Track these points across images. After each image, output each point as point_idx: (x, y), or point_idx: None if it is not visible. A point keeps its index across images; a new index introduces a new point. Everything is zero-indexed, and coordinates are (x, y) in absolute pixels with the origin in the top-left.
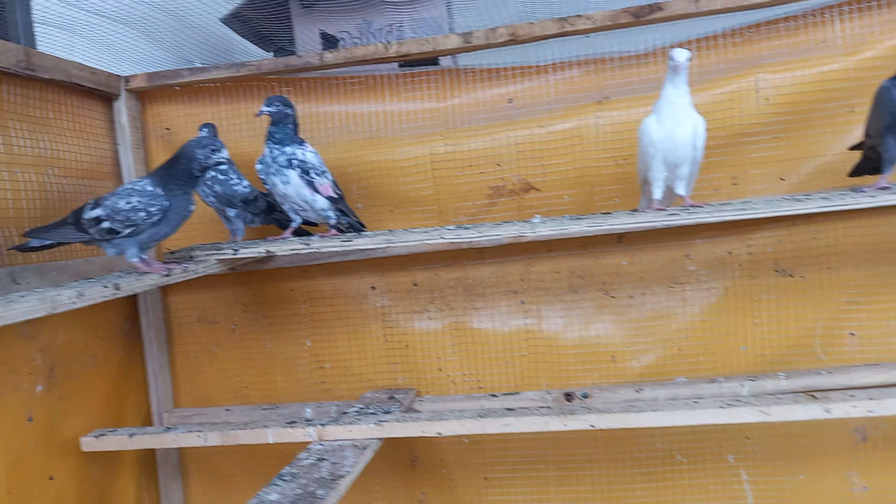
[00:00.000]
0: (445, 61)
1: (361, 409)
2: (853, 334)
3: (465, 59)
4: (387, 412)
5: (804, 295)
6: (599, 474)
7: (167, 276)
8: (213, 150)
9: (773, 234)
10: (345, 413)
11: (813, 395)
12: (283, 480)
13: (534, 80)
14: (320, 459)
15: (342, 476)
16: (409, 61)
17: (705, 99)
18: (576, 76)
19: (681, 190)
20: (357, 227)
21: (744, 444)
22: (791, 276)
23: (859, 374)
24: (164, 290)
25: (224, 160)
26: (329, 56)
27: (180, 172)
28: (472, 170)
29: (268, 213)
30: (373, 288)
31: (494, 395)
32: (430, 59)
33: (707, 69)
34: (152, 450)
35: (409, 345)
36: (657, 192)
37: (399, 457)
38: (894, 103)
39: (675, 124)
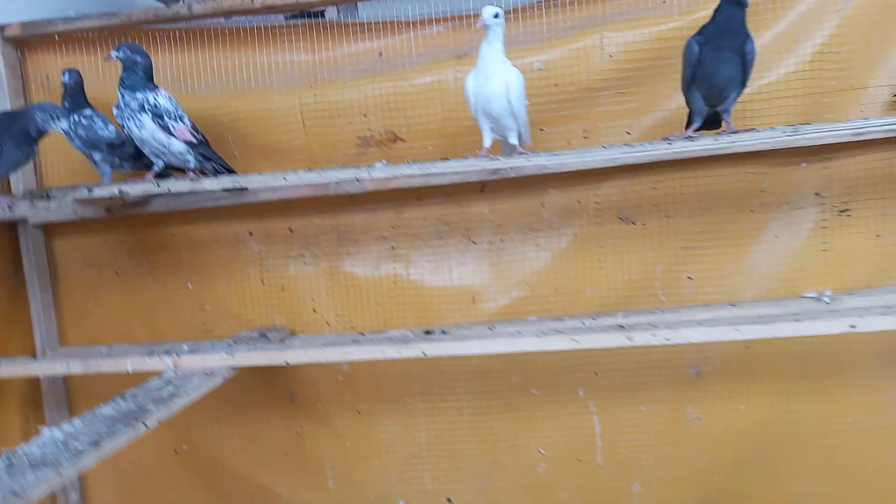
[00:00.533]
0: (332, 14)
1: (231, 344)
2: (690, 278)
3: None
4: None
5: (645, 241)
6: (462, 406)
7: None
8: (52, 117)
9: (617, 184)
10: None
11: (620, 327)
12: (123, 399)
13: (402, 34)
14: (167, 384)
15: (179, 396)
16: (295, 13)
17: (555, 55)
18: (439, 32)
19: (512, 140)
20: (225, 173)
21: (593, 378)
22: (633, 223)
23: (690, 313)
24: (49, 234)
25: (61, 130)
26: (197, 7)
27: (17, 128)
28: (341, 120)
29: (137, 158)
30: (250, 234)
31: (362, 335)
32: (316, 13)
33: (556, 27)
34: (38, 384)
35: (285, 288)
36: (486, 141)
37: (278, 393)
38: (694, 57)
39: (487, 80)
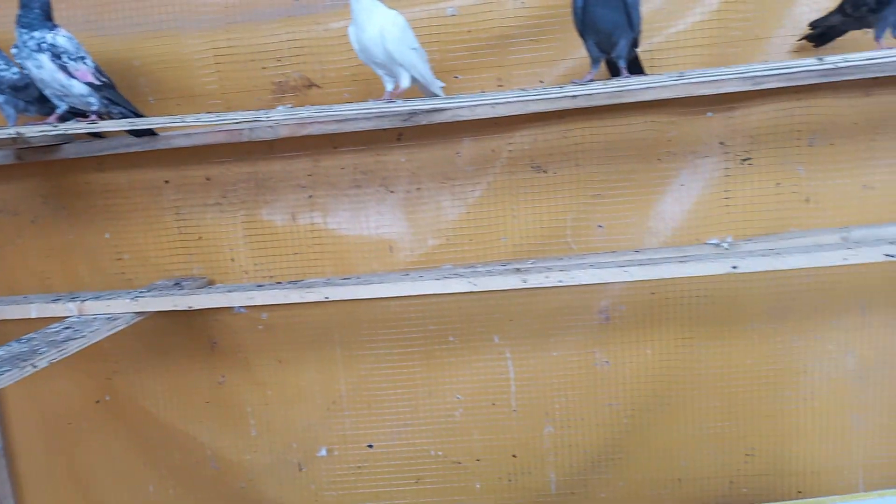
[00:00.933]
0: None
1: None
2: (601, 226)
3: None
4: None
5: (557, 190)
6: (381, 354)
7: None
8: None
9: (529, 133)
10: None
11: (517, 270)
12: (18, 342)
13: None
14: (67, 328)
15: (74, 339)
16: None
17: (469, 1)
18: None
19: (404, 84)
20: (133, 117)
21: (508, 325)
22: (545, 171)
23: (596, 258)
24: None
25: None
26: None
27: None
28: (255, 65)
29: (42, 101)
30: (166, 182)
31: (279, 283)
32: None
33: None
34: None
35: (202, 237)
36: (387, 85)
37: (198, 343)
38: (577, 7)
39: (362, 29)
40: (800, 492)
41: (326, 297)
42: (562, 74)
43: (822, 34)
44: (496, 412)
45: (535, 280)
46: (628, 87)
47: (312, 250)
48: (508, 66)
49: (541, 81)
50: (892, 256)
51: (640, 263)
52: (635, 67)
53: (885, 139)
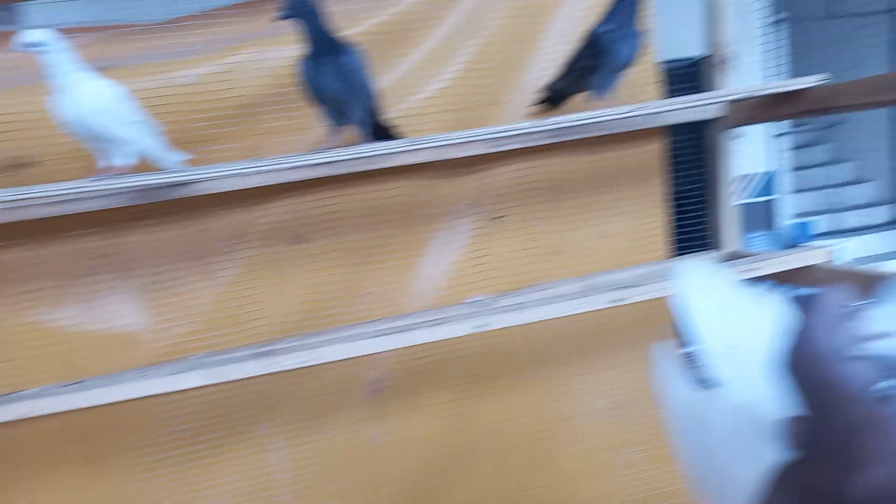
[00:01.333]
0: None
1: None
2: (365, 294)
3: None
4: None
5: (316, 260)
6: (130, 466)
7: None
8: None
9: (285, 204)
10: None
11: (264, 353)
12: None
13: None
14: None
15: None
16: None
17: (215, 69)
18: (80, 44)
19: (117, 161)
20: None
21: (276, 411)
22: (304, 243)
23: (353, 330)
24: None
25: None
26: None
27: None
28: None
29: None
30: None
31: None
32: None
33: (213, 40)
34: None
35: None
36: (99, 162)
37: None
38: (301, 78)
39: (67, 100)
40: None
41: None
42: (316, 142)
43: (552, 97)
44: None
45: (284, 363)
46: (365, 153)
47: (34, 353)
48: (257, 135)
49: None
50: (614, 303)
51: (392, 332)
52: (382, 133)
53: (611, 191)
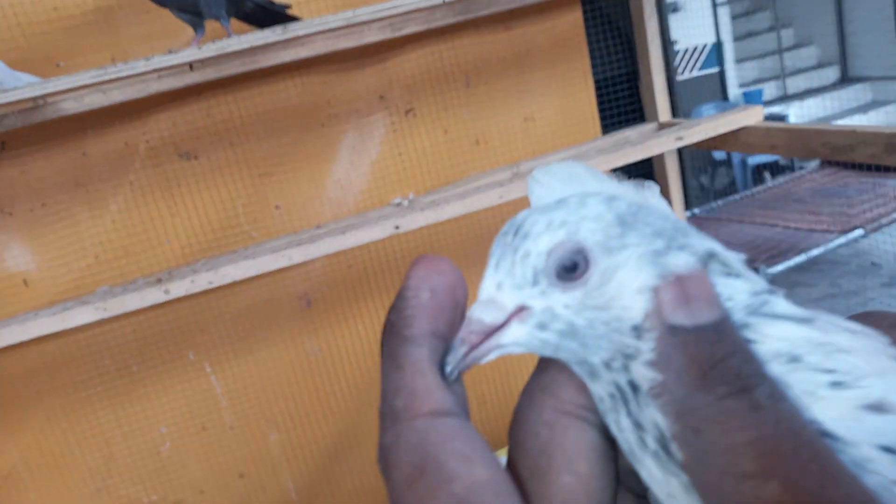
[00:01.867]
0: None
1: None
2: (278, 206)
3: None
4: None
5: (214, 176)
6: (54, 405)
7: None
8: None
9: (166, 117)
10: None
11: (159, 280)
12: None
13: None
14: None
15: None
16: None
17: None
18: None
19: None
20: None
21: (202, 337)
22: (196, 158)
23: (272, 244)
24: None
25: None
26: None
27: None
28: None
29: None
30: None
31: None
32: None
33: None
34: None
35: None
36: None
37: None
38: None
39: None
40: None
41: None
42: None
43: None
44: (210, 435)
45: (180, 288)
46: (228, 48)
47: None
48: (123, 43)
49: (170, 51)
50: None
51: (300, 243)
52: (269, 19)
53: (532, 71)
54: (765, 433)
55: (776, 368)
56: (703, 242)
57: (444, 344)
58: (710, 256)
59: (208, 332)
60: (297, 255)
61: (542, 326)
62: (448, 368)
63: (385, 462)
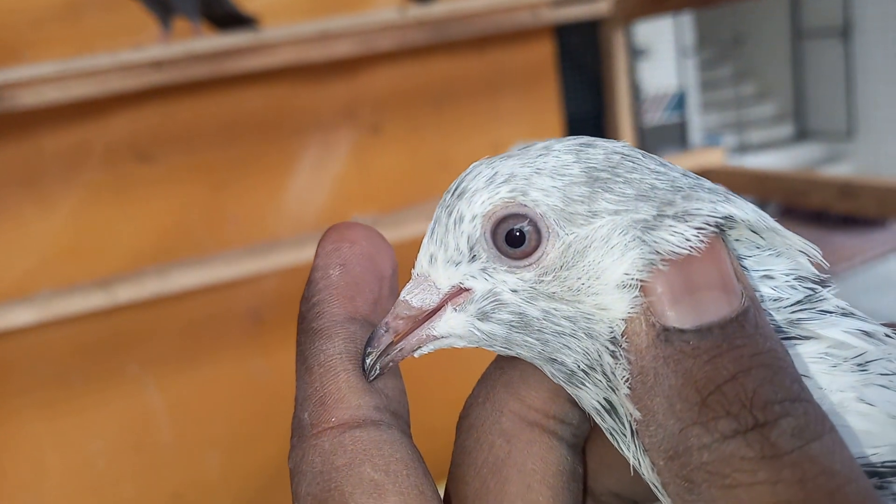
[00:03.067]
0: None
1: None
2: (235, 217)
3: None
4: None
5: (171, 182)
6: None
7: None
8: None
9: (126, 117)
10: None
11: (105, 284)
12: None
13: None
14: None
15: None
16: None
17: None
18: None
19: None
20: None
21: (145, 349)
22: (153, 162)
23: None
24: None
25: None
26: None
27: None
28: None
29: None
30: None
31: None
32: None
33: None
34: None
35: None
36: None
37: None
38: None
39: None
40: None
41: None
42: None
43: None
44: (148, 453)
45: (126, 293)
46: (198, 48)
47: None
48: (86, 37)
49: (137, 47)
50: None
51: (255, 254)
52: (231, 23)
53: (503, 98)
54: (784, 497)
55: (831, 382)
56: (717, 203)
57: (368, 329)
58: (728, 224)
59: (153, 345)
60: (249, 266)
61: (483, 315)
62: (368, 361)
63: (293, 492)
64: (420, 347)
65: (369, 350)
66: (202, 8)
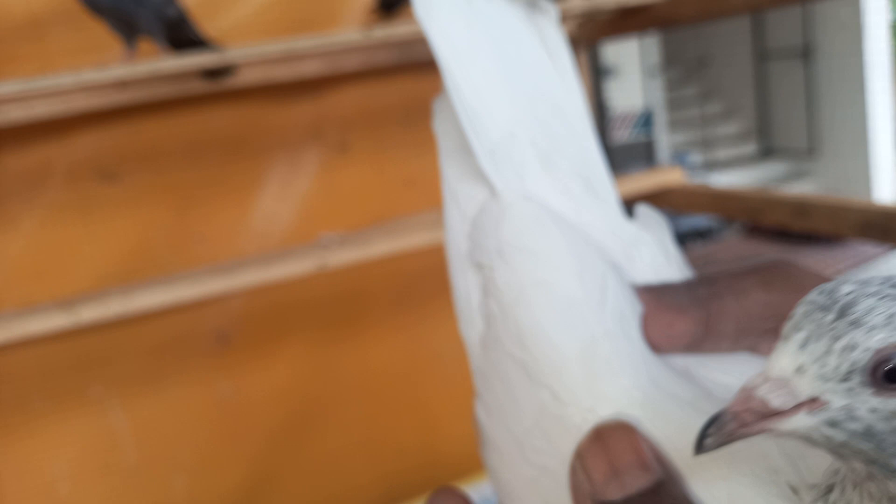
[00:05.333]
0: None
1: None
2: (201, 237)
3: None
4: None
5: (137, 201)
6: None
7: None
8: None
9: (90, 135)
10: None
11: (67, 304)
12: None
13: None
14: None
15: None
16: None
17: None
18: None
19: None
20: None
21: (109, 370)
22: (119, 181)
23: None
24: None
25: None
26: None
27: None
28: None
29: None
30: None
31: None
32: None
33: None
34: None
35: None
36: None
37: None
38: None
39: None
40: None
41: None
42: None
43: (386, 2)
44: (111, 476)
45: (90, 314)
46: (163, 68)
47: None
48: (50, 56)
49: (100, 67)
50: None
51: (222, 273)
52: (190, 45)
53: None
54: None
55: None
56: None
57: None
58: None
59: (118, 366)
60: (215, 286)
61: (833, 423)
62: (708, 441)
63: None
64: (755, 435)
65: (710, 430)
66: (166, 32)
